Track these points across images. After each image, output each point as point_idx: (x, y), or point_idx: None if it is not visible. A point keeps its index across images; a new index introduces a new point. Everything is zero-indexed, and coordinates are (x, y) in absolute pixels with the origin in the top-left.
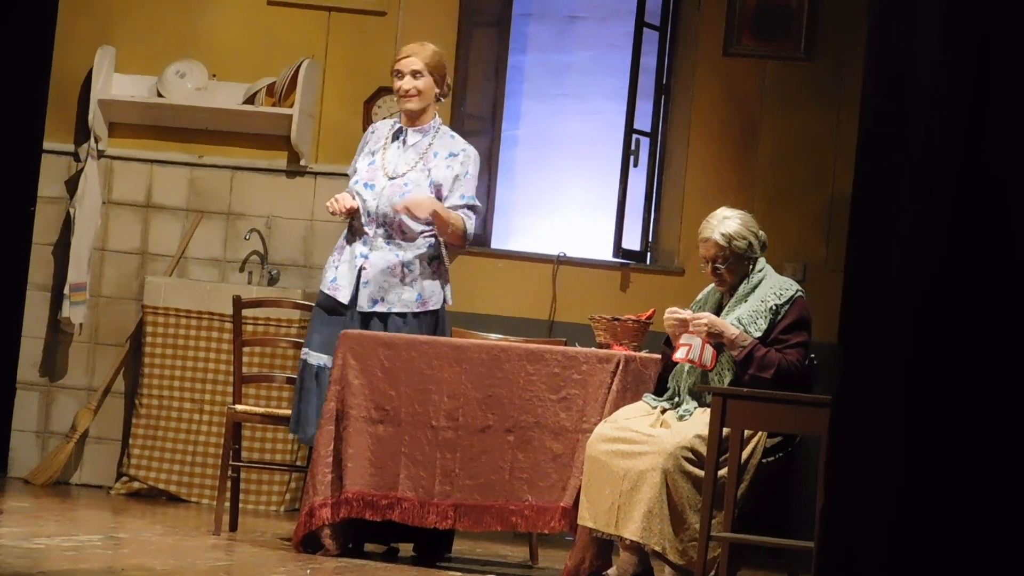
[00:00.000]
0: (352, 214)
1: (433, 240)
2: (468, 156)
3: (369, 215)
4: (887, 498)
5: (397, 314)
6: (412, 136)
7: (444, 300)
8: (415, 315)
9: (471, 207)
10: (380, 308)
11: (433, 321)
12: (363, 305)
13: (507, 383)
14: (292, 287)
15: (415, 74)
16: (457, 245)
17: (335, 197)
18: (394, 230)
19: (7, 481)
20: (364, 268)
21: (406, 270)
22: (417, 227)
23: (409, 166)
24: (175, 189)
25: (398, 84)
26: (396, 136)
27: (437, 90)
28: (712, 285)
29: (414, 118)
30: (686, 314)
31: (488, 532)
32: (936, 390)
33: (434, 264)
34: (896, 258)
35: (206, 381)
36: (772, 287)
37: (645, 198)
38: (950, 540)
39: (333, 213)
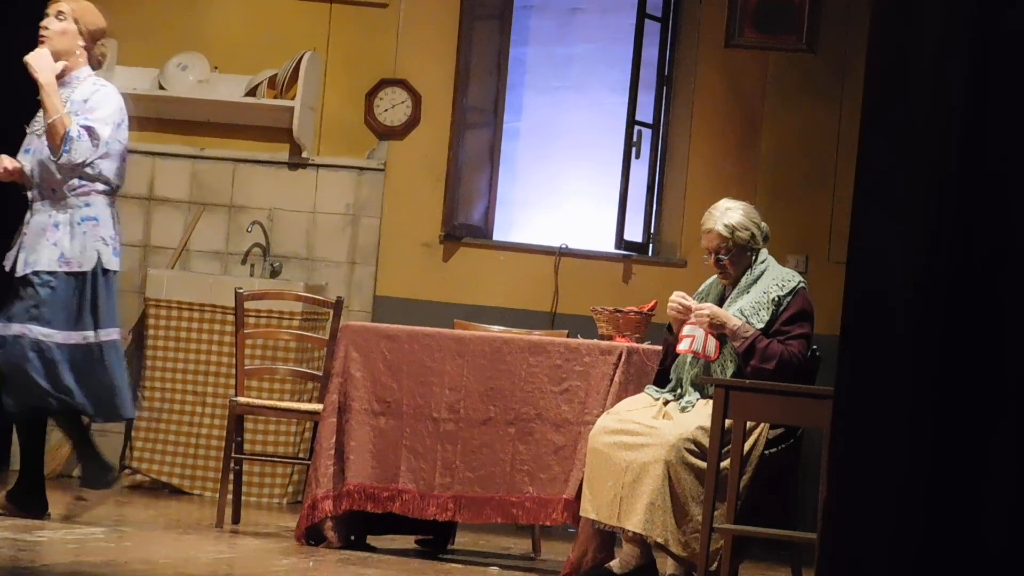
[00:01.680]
0: (15, 177)
1: (89, 198)
2: (98, 92)
3: (29, 179)
4: (890, 490)
5: (42, 272)
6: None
7: (100, 263)
8: (56, 274)
9: (86, 127)
10: (28, 270)
11: (82, 284)
12: (18, 270)
13: (509, 375)
14: (294, 279)
15: (59, 15)
16: (53, 149)
17: None
18: (46, 190)
19: (10, 474)
20: (25, 234)
21: (54, 229)
22: (60, 175)
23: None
24: (177, 182)
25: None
26: None
27: (82, 42)
28: (715, 277)
29: (59, 72)
30: (691, 302)
31: (492, 524)
32: (939, 382)
33: (88, 223)
34: (899, 250)
35: (208, 373)
36: (774, 278)
37: (647, 190)
38: (953, 533)
39: None
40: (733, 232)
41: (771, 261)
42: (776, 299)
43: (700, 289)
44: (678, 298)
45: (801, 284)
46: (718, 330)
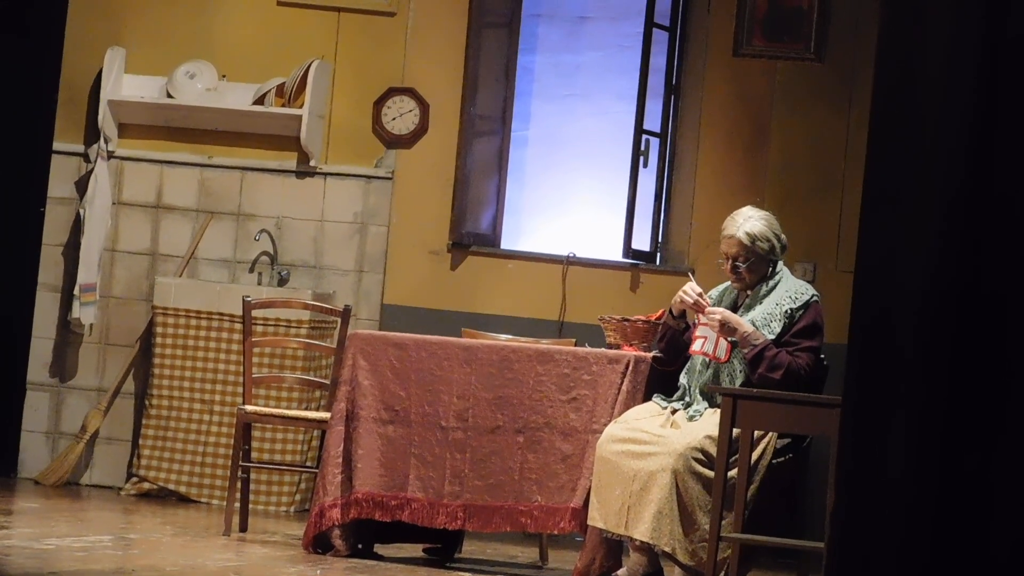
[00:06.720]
0: None
1: None
2: None
3: None
4: (898, 499)
5: None
6: None
7: None
8: None
9: None
10: None
11: None
12: None
13: (517, 384)
14: (302, 288)
15: None
16: None
17: None
18: None
19: (17, 482)
20: None
21: None
22: None
23: None
24: (185, 190)
25: None
26: None
27: None
28: (728, 283)
29: None
30: (706, 301)
31: (498, 533)
32: (947, 390)
33: None
34: (907, 264)
35: (216, 382)
36: (788, 291)
37: (655, 198)
38: (961, 541)
39: None
40: (754, 241)
41: (785, 272)
42: (789, 312)
43: (712, 293)
44: (691, 289)
45: (814, 298)
46: (728, 335)
